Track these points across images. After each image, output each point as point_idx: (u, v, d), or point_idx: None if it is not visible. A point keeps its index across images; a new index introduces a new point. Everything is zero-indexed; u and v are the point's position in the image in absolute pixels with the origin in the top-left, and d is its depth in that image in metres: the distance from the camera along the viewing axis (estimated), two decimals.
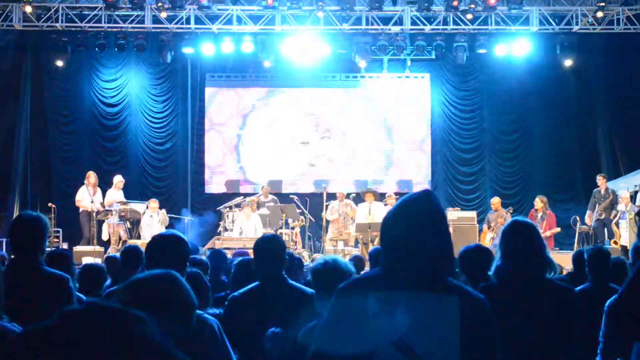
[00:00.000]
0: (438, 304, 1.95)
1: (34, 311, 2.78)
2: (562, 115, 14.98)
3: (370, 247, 10.95)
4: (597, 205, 12.04)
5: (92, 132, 14.69)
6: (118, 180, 12.63)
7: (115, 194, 12.47)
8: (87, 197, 12.04)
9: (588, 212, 12.20)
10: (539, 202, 12.12)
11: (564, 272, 5.44)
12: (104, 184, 12.72)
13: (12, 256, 3.42)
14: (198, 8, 13.17)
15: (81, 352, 1.59)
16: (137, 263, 4.82)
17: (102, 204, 12.19)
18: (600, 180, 12.23)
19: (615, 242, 11.37)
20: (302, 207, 12.35)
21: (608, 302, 3.37)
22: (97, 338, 1.60)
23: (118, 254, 5.79)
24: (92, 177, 12.24)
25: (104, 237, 12.20)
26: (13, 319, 2.77)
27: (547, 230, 11.69)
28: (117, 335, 1.62)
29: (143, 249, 4.46)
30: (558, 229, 12.10)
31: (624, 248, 10.74)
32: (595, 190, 12.25)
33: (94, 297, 4.44)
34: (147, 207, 12.18)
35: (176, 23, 13.35)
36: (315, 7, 12.99)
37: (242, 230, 11.91)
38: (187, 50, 13.65)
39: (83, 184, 12.25)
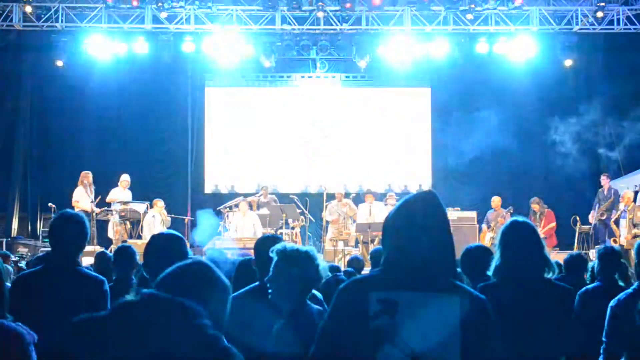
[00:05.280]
0: (439, 304, 1.95)
1: (67, 312, 2.78)
2: (562, 115, 14.95)
3: (371, 247, 10.97)
4: (598, 206, 12.05)
5: (92, 132, 14.67)
6: (124, 179, 12.40)
7: (120, 192, 12.28)
8: (85, 198, 11.84)
9: (592, 211, 12.23)
10: (534, 204, 12.22)
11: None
12: (105, 184, 12.64)
13: (51, 255, 3.42)
14: (198, 8, 13.16)
15: (137, 343, 1.57)
16: (128, 263, 4.79)
17: (92, 202, 11.97)
18: (603, 180, 12.28)
19: (615, 241, 11.36)
20: (302, 207, 12.34)
21: (612, 301, 3.36)
22: (153, 329, 1.58)
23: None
24: (89, 176, 12.06)
25: (110, 235, 12.09)
26: (44, 318, 2.75)
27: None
28: (174, 327, 1.60)
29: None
30: (553, 224, 12.14)
31: (622, 247, 10.73)
32: (599, 190, 12.30)
33: None
34: (149, 207, 12.12)
35: (176, 23, 13.34)
36: (316, 8, 12.98)
37: (237, 229, 11.90)
38: (187, 50, 13.64)
39: (78, 185, 11.90)
